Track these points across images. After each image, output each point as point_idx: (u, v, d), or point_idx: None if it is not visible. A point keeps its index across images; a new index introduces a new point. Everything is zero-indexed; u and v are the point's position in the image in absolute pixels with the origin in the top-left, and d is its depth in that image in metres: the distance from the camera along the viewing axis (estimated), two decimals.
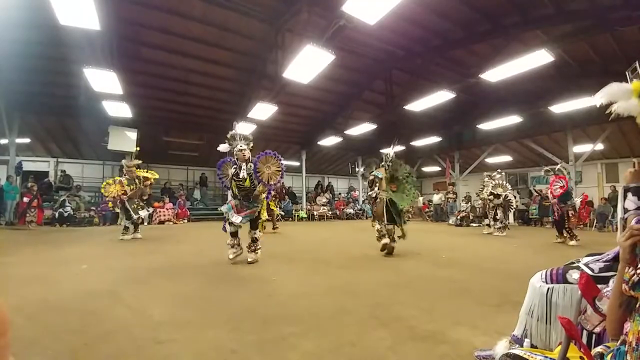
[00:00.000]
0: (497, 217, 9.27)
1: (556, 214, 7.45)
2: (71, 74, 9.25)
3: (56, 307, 2.62)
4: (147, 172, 8.18)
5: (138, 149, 9.87)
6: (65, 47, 8.17)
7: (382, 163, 5.79)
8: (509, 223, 9.49)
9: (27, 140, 12.68)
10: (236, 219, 4.58)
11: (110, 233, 8.36)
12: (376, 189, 5.67)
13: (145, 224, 7.97)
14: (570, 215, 7.30)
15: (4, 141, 11.42)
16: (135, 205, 7.48)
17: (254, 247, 4.73)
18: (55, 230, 9.76)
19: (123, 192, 7.40)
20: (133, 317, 2.47)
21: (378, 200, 5.62)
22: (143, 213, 7.64)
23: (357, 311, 2.65)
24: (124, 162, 8.40)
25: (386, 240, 5.45)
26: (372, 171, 5.94)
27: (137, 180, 7.64)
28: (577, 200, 7.59)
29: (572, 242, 7.06)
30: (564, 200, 7.35)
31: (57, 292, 3.05)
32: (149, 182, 8.04)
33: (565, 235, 7.30)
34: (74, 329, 2.20)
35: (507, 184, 9.57)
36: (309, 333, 2.20)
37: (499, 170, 9.81)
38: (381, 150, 6.31)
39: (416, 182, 6.03)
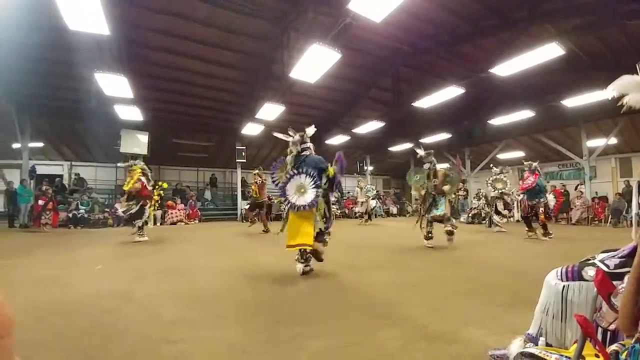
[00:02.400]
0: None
1: (524, 209, 7.57)
2: (82, 78, 9.38)
3: (70, 308, 2.67)
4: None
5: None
6: (76, 51, 8.25)
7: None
8: (496, 220, 9.40)
9: (40, 144, 12.96)
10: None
11: (123, 234, 8.47)
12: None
13: (151, 225, 7.99)
14: (541, 211, 7.34)
15: (17, 145, 11.68)
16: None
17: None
18: (69, 232, 9.95)
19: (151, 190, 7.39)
20: (145, 317, 2.51)
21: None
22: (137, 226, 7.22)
23: (366, 311, 2.64)
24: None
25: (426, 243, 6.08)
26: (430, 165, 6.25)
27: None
28: (550, 197, 7.56)
29: (544, 238, 7.18)
30: (534, 197, 7.40)
31: (71, 293, 3.11)
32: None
33: (535, 229, 7.43)
34: (86, 329, 2.24)
35: (507, 180, 9.47)
36: (319, 332, 2.20)
37: (502, 167, 9.84)
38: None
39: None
